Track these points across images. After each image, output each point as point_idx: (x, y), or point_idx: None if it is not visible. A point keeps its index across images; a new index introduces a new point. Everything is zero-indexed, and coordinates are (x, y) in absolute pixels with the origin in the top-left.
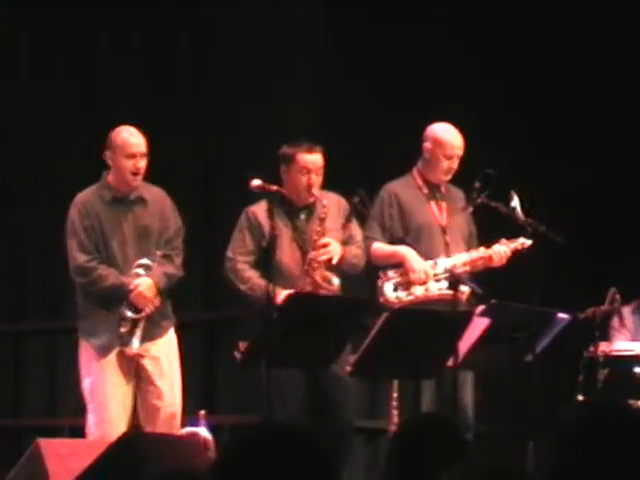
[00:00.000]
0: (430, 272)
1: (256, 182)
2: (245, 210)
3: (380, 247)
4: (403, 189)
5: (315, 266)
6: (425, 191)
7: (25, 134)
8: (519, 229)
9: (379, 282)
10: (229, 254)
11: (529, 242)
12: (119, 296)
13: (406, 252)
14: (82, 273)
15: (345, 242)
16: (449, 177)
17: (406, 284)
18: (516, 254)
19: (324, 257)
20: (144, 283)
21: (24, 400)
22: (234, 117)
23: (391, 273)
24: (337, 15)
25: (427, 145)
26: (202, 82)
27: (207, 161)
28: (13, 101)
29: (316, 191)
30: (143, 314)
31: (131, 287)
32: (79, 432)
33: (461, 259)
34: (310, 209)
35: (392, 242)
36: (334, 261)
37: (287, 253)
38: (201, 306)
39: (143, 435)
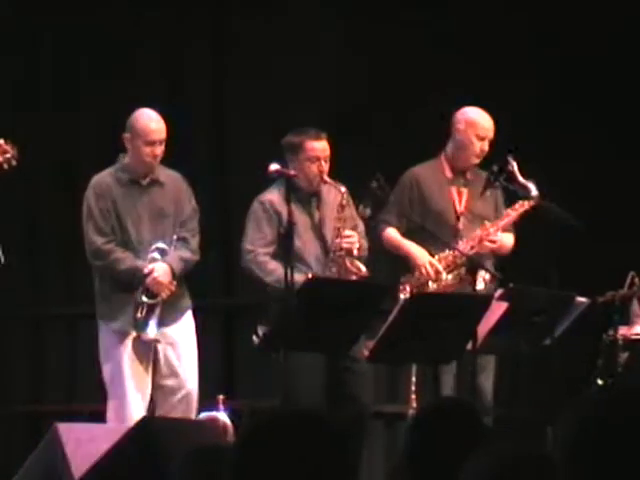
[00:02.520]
0: (438, 265)
1: (274, 167)
2: (258, 199)
3: (391, 236)
4: (426, 173)
5: (342, 254)
6: (449, 176)
7: (46, 122)
8: (540, 212)
9: (400, 295)
10: (248, 246)
11: (532, 198)
12: (135, 280)
13: (411, 248)
14: (99, 256)
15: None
16: (479, 160)
17: (420, 286)
18: (524, 216)
19: (354, 245)
20: (160, 268)
21: (44, 385)
22: (250, 102)
23: (407, 286)
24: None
25: (459, 127)
26: (219, 67)
27: (223, 146)
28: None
29: (327, 178)
30: (159, 299)
31: (146, 271)
32: (99, 417)
33: (465, 245)
34: (318, 196)
35: (409, 228)
36: (355, 252)
37: (306, 240)
38: (219, 291)
39: (162, 420)
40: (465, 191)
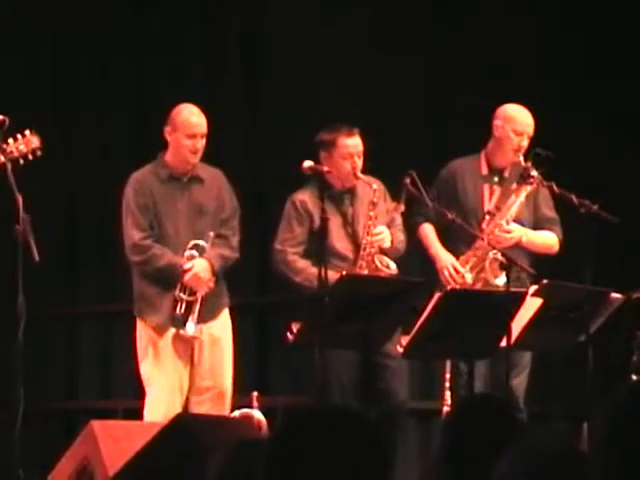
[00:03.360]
0: (459, 267)
1: (307, 164)
2: (291, 199)
3: (424, 234)
4: (463, 168)
5: (372, 251)
6: (484, 173)
7: (82, 123)
8: (573, 208)
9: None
10: (277, 246)
11: (532, 181)
12: (173, 276)
13: (435, 250)
14: (137, 251)
15: (388, 226)
16: (518, 157)
17: None
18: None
19: (383, 244)
20: (199, 265)
21: (79, 382)
22: (286, 101)
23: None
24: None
25: (497, 123)
26: (255, 68)
27: (259, 143)
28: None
29: (360, 174)
30: (198, 296)
31: (186, 268)
32: (133, 414)
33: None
34: (352, 193)
35: (443, 223)
36: (386, 245)
37: (338, 237)
38: (254, 289)
39: (196, 417)
40: (498, 190)
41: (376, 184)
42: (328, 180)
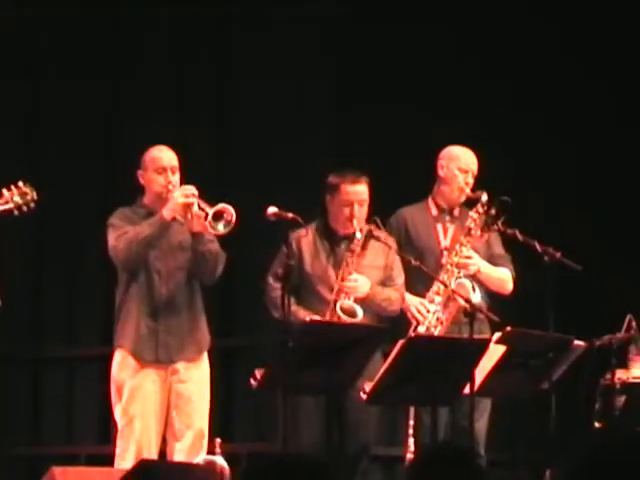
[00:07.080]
0: (427, 304)
1: (272, 210)
2: (290, 235)
3: None
4: (413, 212)
5: (342, 296)
6: (434, 214)
7: (51, 164)
8: (536, 256)
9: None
10: (269, 279)
11: (481, 204)
12: (160, 226)
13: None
14: (120, 237)
15: (382, 283)
16: (465, 195)
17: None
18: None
19: (355, 292)
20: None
21: (42, 428)
22: (254, 138)
23: None
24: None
25: (442, 163)
26: (223, 112)
27: (225, 185)
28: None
29: (356, 223)
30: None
31: (167, 215)
32: (96, 460)
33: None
34: (350, 239)
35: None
36: (359, 294)
37: (322, 281)
38: (218, 333)
39: (159, 463)
40: (451, 227)
41: (360, 233)
42: (330, 224)
